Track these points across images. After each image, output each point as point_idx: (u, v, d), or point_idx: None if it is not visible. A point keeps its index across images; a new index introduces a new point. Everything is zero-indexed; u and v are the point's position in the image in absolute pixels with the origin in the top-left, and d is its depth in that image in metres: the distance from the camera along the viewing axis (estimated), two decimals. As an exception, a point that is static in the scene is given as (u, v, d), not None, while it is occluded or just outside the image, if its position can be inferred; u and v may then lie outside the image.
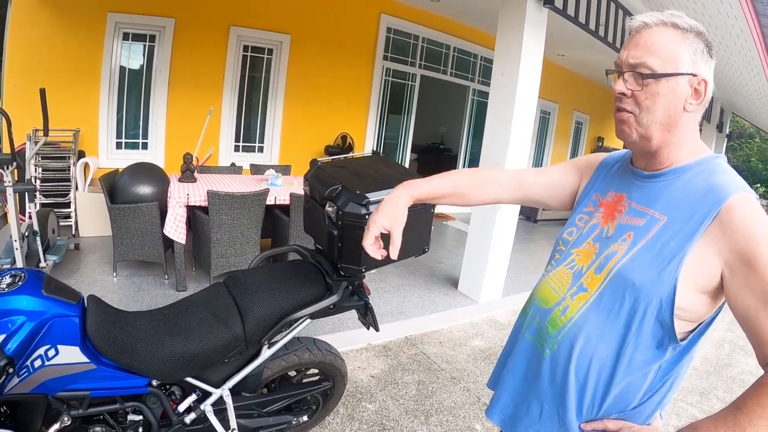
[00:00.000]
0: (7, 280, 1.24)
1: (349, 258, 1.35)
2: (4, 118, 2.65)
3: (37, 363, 1.19)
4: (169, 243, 3.26)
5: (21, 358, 1.16)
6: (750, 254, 0.71)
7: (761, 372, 0.73)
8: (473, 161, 7.91)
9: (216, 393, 1.48)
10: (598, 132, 10.89)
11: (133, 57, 4.71)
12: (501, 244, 3.72)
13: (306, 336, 1.81)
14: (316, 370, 1.88)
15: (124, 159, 4.36)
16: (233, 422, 1.53)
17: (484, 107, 3.80)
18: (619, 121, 0.86)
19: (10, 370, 1.09)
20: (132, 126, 4.83)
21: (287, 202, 3.41)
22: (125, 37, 4.55)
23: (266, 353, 1.52)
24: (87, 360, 1.25)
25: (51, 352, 1.20)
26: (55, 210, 3.76)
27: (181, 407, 1.46)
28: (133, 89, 4.74)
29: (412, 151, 7.40)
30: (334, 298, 1.47)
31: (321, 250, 1.59)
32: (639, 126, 0.83)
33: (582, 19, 3.74)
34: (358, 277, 1.53)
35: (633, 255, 0.83)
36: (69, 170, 4.15)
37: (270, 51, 5.42)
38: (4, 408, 1.29)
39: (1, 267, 2.77)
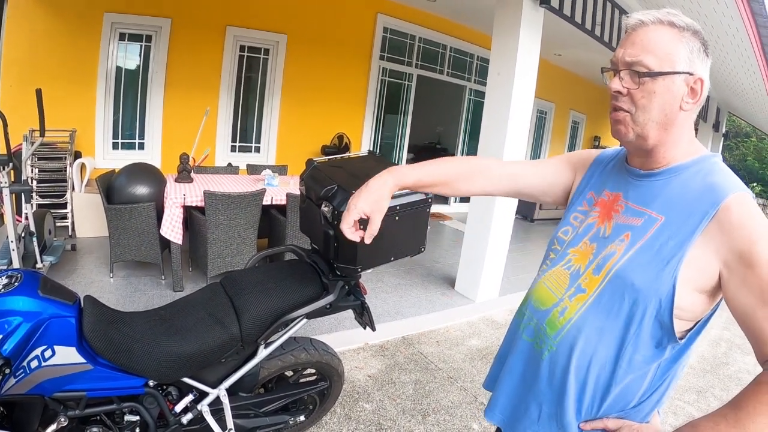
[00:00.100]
0: (4, 280, 1.24)
1: (345, 258, 1.35)
2: (0, 119, 2.64)
3: (34, 364, 1.19)
4: (165, 243, 3.25)
5: (17, 359, 1.16)
6: (748, 253, 0.72)
7: (759, 370, 0.73)
8: (470, 161, 7.90)
9: (213, 393, 1.48)
10: (595, 131, 10.92)
11: (129, 57, 4.69)
12: (498, 244, 3.73)
13: (303, 336, 1.81)
14: (313, 370, 1.89)
15: (121, 159, 4.34)
16: (230, 422, 1.53)
17: (481, 107, 3.80)
18: (615, 121, 0.85)
19: (7, 371, 1.10)
20: (128, 126, 4.82)
21: (284, 202, 3.41)
22: (121, 37, 4.54)
23: (263, 353, 1.52)
24: (83, 360, 1.25)
25: (47, 353, 1.20)
26: (52, 211, 3.74)
27: (178, 407, 1.46)
28: (130, 89, 4.72)
29: (409, 150, 7.39)
30: (330, 298, 1.47)
31: (317, 249, 1.59)
32: (635, 125, 0.82)
33: (578, 18, 3.75)
34: (355, 277, 1.53)
35: (632, 255, 0.83)
36: (65, 171, 4.14)
37: (266, 51, 5.41)
38: (1, 409, 1.28)
39: (-3, 268, 2.77)
